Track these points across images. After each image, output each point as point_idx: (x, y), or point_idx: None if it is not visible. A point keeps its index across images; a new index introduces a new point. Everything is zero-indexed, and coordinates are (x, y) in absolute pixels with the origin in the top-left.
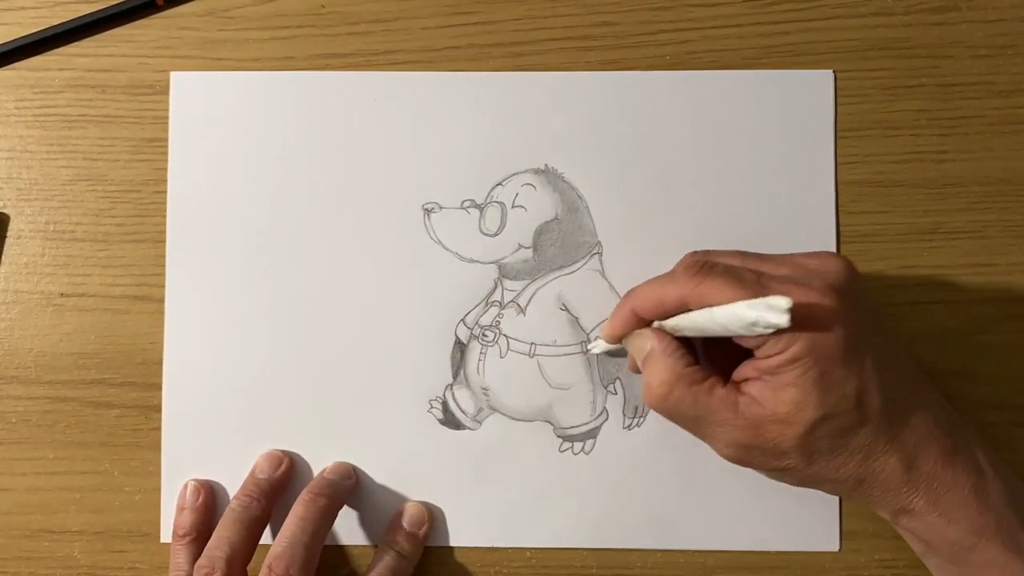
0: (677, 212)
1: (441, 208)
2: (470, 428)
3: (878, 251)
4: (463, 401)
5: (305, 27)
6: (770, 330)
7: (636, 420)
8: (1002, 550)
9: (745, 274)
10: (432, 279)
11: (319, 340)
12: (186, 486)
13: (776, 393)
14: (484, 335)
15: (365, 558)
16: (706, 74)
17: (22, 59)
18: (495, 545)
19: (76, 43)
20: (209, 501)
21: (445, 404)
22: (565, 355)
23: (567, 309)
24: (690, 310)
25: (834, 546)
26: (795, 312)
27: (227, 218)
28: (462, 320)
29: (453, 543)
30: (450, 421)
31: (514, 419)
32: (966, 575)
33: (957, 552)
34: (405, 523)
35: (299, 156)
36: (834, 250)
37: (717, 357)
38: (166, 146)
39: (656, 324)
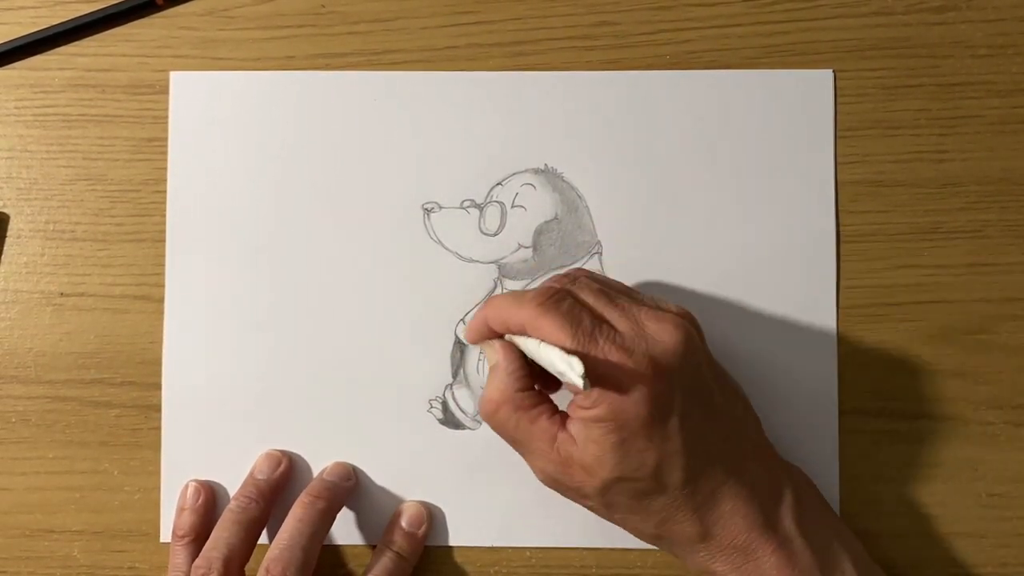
0: (677, 212)
1: (441, 208)
2: (470, 428)
3: (878, 251)
4: (463, 401)
5: (305, 27)
6: (575, 385)
7: None
8: None
9: (584, 319)
10: (432, 279)
11: (319, 339)
12: (187, 487)
13: (583, 444)
14: None
15: (364, 558)
16: (706, 74)
17: (22, 59)
18: (495, 545)
19: (76, 43)
20: (210, 502)
21: (445, 404)
22: None
23: None
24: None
25: None
26: (603, 376)
27: (227, 218)
28: (462, 320)
29: (453, 543)
30: (450, 421)
31: None
32: None
33: None
34: (404, 523)
35: (299, 156)
36: (833, 250)
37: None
38: (166, 146)
39: (507, 337)
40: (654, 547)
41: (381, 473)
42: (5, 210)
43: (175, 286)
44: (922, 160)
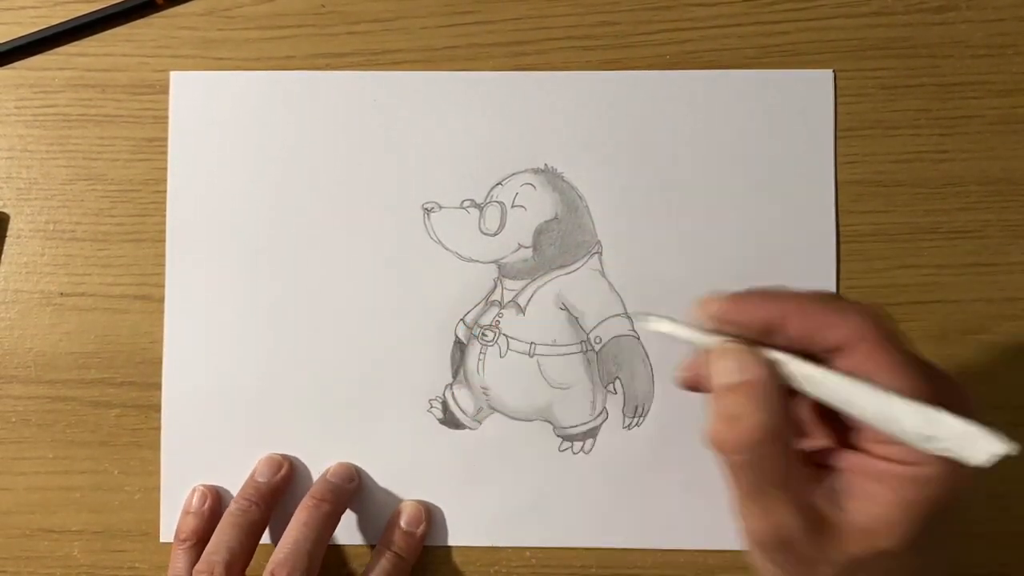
0: (677, 212)
1: (441, 208)
2: (470, 428)
3: (878, 251)
4: (463, 401)
5: (305, 27)
6: (955, 455)
7: (636, 420)
8: None
9: (921, 359)
10: (432, 279)
11: (318, 339)
12: (193, 491)
13: (870, 505)
14: (484, 335)
15: (364, 558)
16: (706, 74)
17: (22, 59)
18: (495, 545)
19: (76, 42)
20: (215, 507)
21: (445, 404)
22: (565, 355)
23: (567, 309)
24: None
25: None
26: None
27: (227, 217)
28: (462, 319)
29: (453, 543)
30: (450, 421)
31: (514, 419)
32: None
33: None
34: (402, 523)
35: (299, 156)
36: (833, 250)
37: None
38: (166, 146)
39: (774, 356)
40: (654, 547)
41: (381, 472)
42: (5, 210)
43: (175, 286)
44: (922, 160)
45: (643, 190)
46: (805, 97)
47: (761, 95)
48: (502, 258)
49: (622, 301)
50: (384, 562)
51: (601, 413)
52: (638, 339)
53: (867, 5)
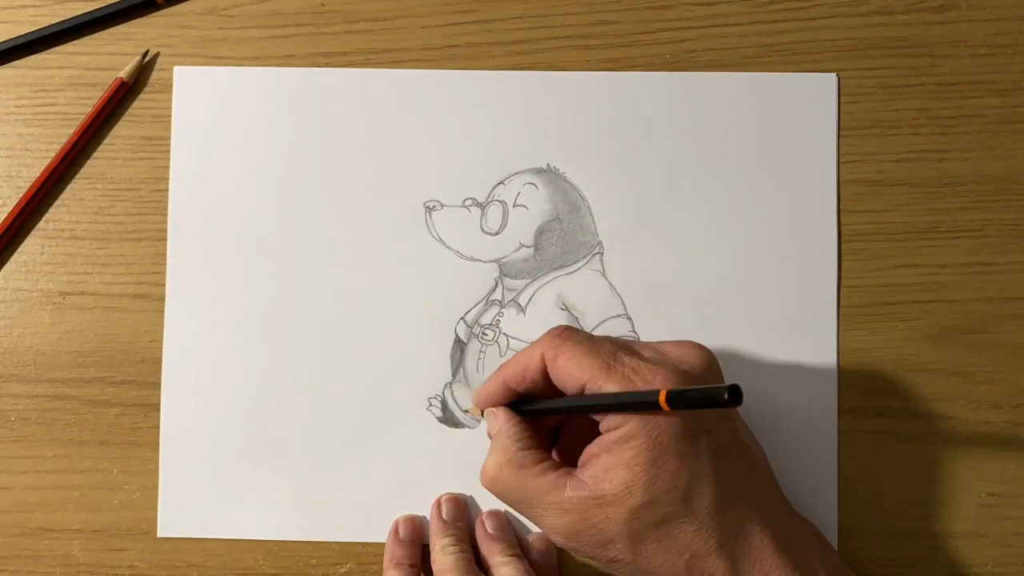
0: (678, 212)
1: (443, 206)
2: (469, 427)
3: (878, 251)
4: (462, 399)
5: (305, 26)
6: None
7: None
8: None
9: (604, 344)
10: (433, 277)
11: (319, 337)
12: (400, 521)
13: (607, 473)
14: (484, 334)
15: (364, 556)
16: (709, 75)
17: (22, 57)
18: None
19: (76, 41)
20: (417, 536)
21: (444, 402)
22: None
23: (567, 309)
24: (547, 374)
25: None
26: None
27: (227, 216)
28: (462, 318)
29: None
30: (449, 419)
31: None
32: None
33: None
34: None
35: (301, 154)
36: (835, 250)
37: (579, 444)
38: (165, 144)
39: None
40: None
41: (379, 470)
42: (5, 209)
43: (175, 285)
44: (922, 160)
45: (645, 191)
46: (808, 100)
47: (764, 97)
48: (503, 257)
49: (623, 302)
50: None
51: None
52: (638, 339)
53: (867, 5)
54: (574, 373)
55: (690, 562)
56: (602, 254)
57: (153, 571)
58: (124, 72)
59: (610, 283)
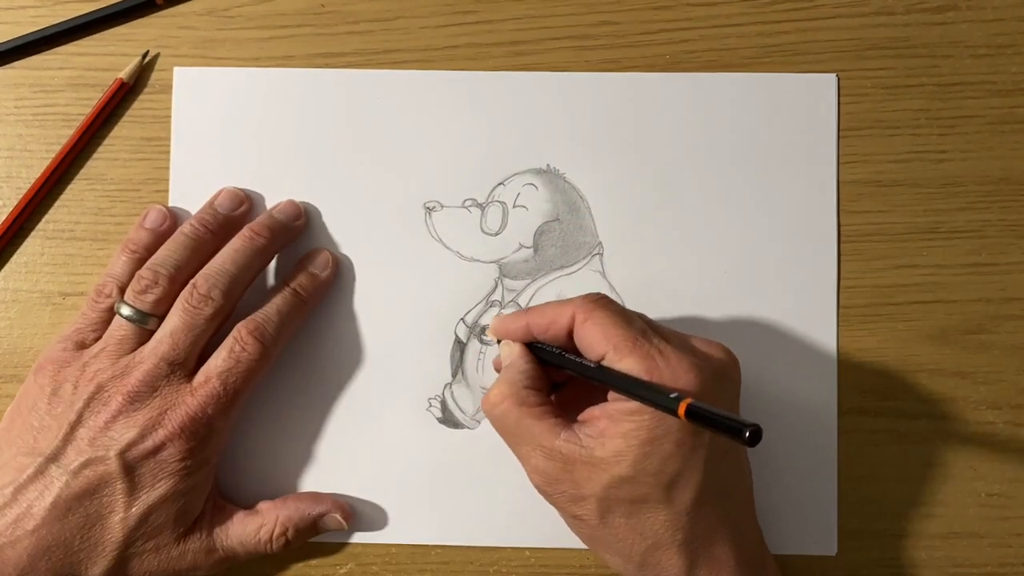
0: (678, 213)
1: (442, 207)
2: (469, 427)
3: (878, 251)
4: (462, 400)
5: (305, 26)
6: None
7: None
8: None
9: (636, 319)
10: (433, 278)
11: (319, 337)
12: (152, 207)
13: (602, 438)
14: (484, 334)
15: (363, 556)
16: (709, 76)
17: (22, 58)
18: (495, 545)
19: (76, 42)
20: (171, 231)
21: (444, 403)
22: None
23: None
24: (572, 333)
25: (831, 550)
26: (648, 372)
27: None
28: (462, 319)
29: (452, 543)
30: (449, 420)
31: None
32: None
33: None
34: (308, 264)
35: (301, 154)
36: (834, 250)
37: (583, 401)
38: (165, 145)
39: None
40: None
41: (379, 470)
42: (4, 209)
43: None
44: (922, 160)
45: (645, 191)
46: (808, 100)
47: (764, 98)
48: (503, 258)
49: (623, 302)
50: (279, 299)
51: None
52: None
53: (867, 5)
54: (600, 340)
55: (649, 550)
56: (602, 255)
57: None
58: (124, 73)
59: (610, 283)
